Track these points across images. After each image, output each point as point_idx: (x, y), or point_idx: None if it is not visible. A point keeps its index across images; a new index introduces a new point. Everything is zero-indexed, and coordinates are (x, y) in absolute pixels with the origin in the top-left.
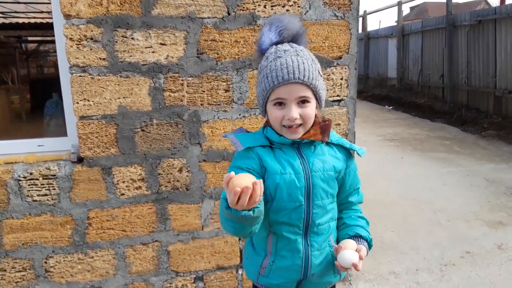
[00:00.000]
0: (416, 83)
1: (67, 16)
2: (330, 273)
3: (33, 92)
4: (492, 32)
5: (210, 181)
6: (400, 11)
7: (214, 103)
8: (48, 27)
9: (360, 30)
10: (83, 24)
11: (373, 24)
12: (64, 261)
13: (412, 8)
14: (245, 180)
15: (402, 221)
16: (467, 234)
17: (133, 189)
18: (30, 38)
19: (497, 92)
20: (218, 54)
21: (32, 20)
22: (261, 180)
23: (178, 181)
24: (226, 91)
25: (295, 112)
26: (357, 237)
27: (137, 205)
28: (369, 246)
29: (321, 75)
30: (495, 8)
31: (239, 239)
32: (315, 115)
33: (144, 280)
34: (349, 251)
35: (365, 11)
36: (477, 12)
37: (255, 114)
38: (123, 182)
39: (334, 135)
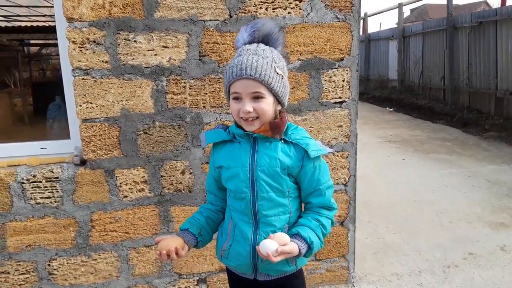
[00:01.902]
0: (417, 85)
1: (70, 19)
2: (283, 262)
3: (35, 95)
4: (493, 33)
5: None
6: (400, 13)
7: (216, 105)
8: (50, 31)
9: (360, 32)
10: (85, 27)
11: (374, 26)
12: (67, 263)
13: (412, 10)
14: (167, 245)
15: (404, 223)
16: (470, 235)
17: (136, 192)
18: (32, 42)
19: (498, 94)
20: (220, 57)
21: (35, 24)
22: (181, 248)
23: (180, 183)
24: None
25: (248, 105)
26: (297, 235)
27: (140, 207)
28: (310, 248)
29: (278, 74)
30: (496, 10)
31: None
32: (275, 111)
33: (147, 282)
34: (270, 241)
35: (365, 13)
36: (478, 14)
37: None
38: (126, 184)
39: (298, 134)
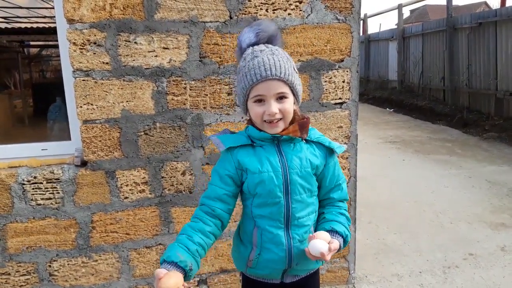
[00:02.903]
0: (417, 86)
1: (71, 21)
2: (313, 261)
3: (36, 97)
4: (493, 34)
5: None
6: (400, 14)
7: (217, 107)
8: (50, 32)
9: (360, 33)
10: (86, 29)
11: (374, 27)
12: (68, 264)
13: (412, 11)
14: (169, 284)
15: (404, 223)
16: (470, 236)
17: (137, 193)
18: (32, 43)
19: (498, 94)
20: (220, 58)
21: (35, 25)
22: (185, 285)
23: (181, 184)
24: (229, 94)
25: (274, 107)
26: (332, 231)
27: (140, 208)
28: (345, 242)
29: (296, 72)
30: (496, 10)
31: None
32: (294, 111)
33: (148, 283)
34: (320, 241)
35: (365, 14)
36: (478, 15)
37: None
38: (127, 185)
39: (315, 133)
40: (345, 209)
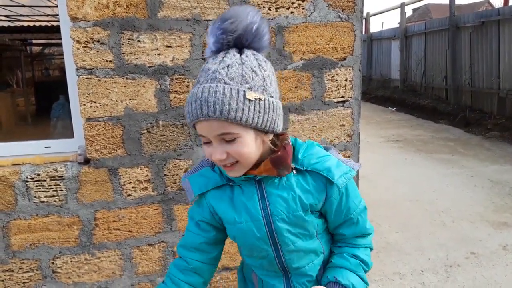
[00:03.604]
0: (419, 85)
1: (74, 19)
2: None
3: (38, 95)
4: (496, 33)
5: None
6: (403, 13)
7: None
8: (53, 30)
9: (363, 32)
10: (89, 27)
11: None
12: (71, 261)
13: (415, 10)
14: None
15: (406, 222)
16: (472, 235)
17: (140, 190)
18: (35, 41)
19: (501, 93)
20: None
21: (37, 23)
22: None
23: None
24: None
25: (219, 152)
26: (336, 283)
27: (143, 206)
28: None
29: (250, 100)
30: (499, 9)
31: None
32: (264, 142)
33: (150, 280)
34: None
35: (368, 13)
36: (481, 13)
37: None
38: (130, 183)
39: (313, 157)
40: (364, 246)
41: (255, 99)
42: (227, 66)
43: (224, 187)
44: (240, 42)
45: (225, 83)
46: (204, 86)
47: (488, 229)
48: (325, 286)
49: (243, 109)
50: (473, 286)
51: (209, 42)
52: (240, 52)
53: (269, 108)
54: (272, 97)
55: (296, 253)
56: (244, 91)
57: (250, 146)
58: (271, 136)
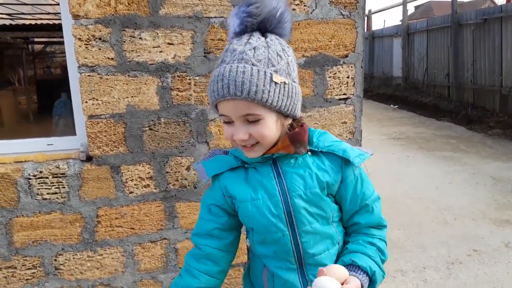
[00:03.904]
0: (422, 82)
1: (76, 17)
2: None
3: (40, 93)
4: (498, 30)
5: None
6: (405, 10)
7: None
8: (54, 28)
9: (365, 30)
10: (91, 24)
11: (378, 23)
12: (73, 258)
13: (417, 7)
14: None
15: (408, 220)
16: (474, 232)
17: (142, 187)
18: (36, 39)
19: (503, 91)
20: None
21: (39, 22)
22: None
23: (186, 179)
24: None
25: (242, 132)
26: (353, 266)
27: (145, 203)
28: (372, 282)
29: (276, 82)
30: (501, 6)
31: (246, 237)
32: (283, 126)
33: (152, 277)
34: (329, 279)
35: (370, 11)
36: (483, 11)
37: None
38: (132, 180)
39: (326, 140)
40: (379, 238)
41: (280, 82)
42: (254, 48)
43: (239, 170)
44: (264, 27)
45: (253, 64)
46: (231, 66)
47: (490, 227)
48: None
49: (269, 91)
50: (475, 283)
51: (233, 24)
52: (264, 36)
53: (292, 92)
54: (295, 82)
55: (312, 235)
56: (271, 73)
57: (271, 129)
58: (290, 121)
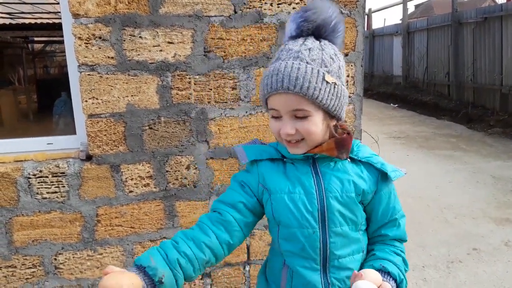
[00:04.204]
0: (422, 81)
1: (76, 16)
2: None
3: (40, 92)
4: (499, 29)
5: (217, 178)
6: (405, 9)
7: (221, 101)
8: (54, 28)
9: (365, 28)
10: (91, 23)
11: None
12: (73, 257)
13: (417, 6)
14: (108, 283)
15: (408, 218)
16: (474, 231)
17: (141, 186)
18: (36, 39)
19: (503, 89)
20: (225, 52)
21: (39, 21)
22: (135, 284)
23: (185, 178)
24: (233, 89)
25: (289, 127)
26: (383, 272)
27: (145, 202)
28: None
29: (328, 82)
30: (502, 5)
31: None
32: (328, 127)
33: None
34: (367, 283)
35: (370, 9)
36: (483, 9)
37: (261, 112)
38: (132, 179)
39: (365, 151)
40: (401, 251)
41: (331, 82)
42: (309, 49)
43: (277, 162)
44: (318, 33)
45: (307, 62)
46: (287, 63)
47: (490, 225)
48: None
49: (320, 89)
50: (474, 281)
51: (290, 28)
52: (318, 40)
53: (340, 94)
54: (343, 85)
55: (341, 237)
56: (323, 73)
57: (318, 127)
58: (335, 122)
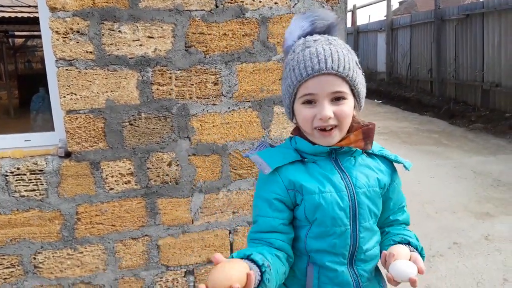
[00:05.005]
0: (405, 77)
1: (53, 9)
2: None
3: (21, 88)
4: (480, 26)
5: (200, 175)
6: (389, 6)
7: (203, 97)
8: (35, 22)
9: (349, 25)
10: (69, 17)
11: (363, 18)
12: (53, 256)
13: (401, 3)
14: (228, 276)
15: None
16: (455, 225)
17: (122, 184)
18: (17, 33)
19: (484, 86)
20: (206, 47)
21: (19, 15)
22: (253, 272)
23: (167, 175)
24: (215, 84)
25: (328, 109)
26: (404, 244)
27: (126, 199)
28: (421, 256)
29: (359, 68)
30: (483, 2)
31: (229, 232)
32: (353, 117)
33: (134, 274)
34: (405, 262)
35: (354, 6)
36: (465, 6)
37: (244, 107)
38: (112, 176)
39: (376, 145)
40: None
41: (360, 69)
42: (334, 39)
43: (297, 164)
44: (329, 32)
45: (341, 48)
46: (323, 47)
47: (471, 220)
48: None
49: (356, 72)
50: (455, 275)
51: (302, 25)
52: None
53: (364, 84)
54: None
55: (368, 231)
56: (356, 60)
57: (351, 111)
58: (356, 112)
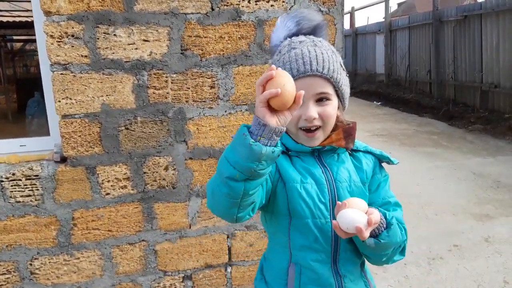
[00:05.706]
0: (404, 79)
1: (47, 13)
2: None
3: (19, 92)
4: (478, 27)
5: (197, 179)
6: (387, 7)
7: (199, 100)
8: (33, 26)
9: (348, 27)
10: (63, 21)
11: (361, 20)
12: (49, 262)
13: (399, 4)
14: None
15: None
16: (455, 227)
17: (119, 189)
18: (15, 37)
19: (483, 87)
20: (202, 50)
21: (17, 19)
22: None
23: (164, 179)
24: (211, 87)
25: (313, 110)
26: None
27: (122, 204)
28: (388, 225)
29: (343, 69)
30: (481, 3)
31: (227, 237)
32: (337, 117)
33: (131, 280)
34: (355, 211)
35: (352, 7)
36: (463, 7)
37: (241, 110)
38: (108, 181)
39: (360, 143)
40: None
41: (344, 70)
42: (320, 41)
43: (284, 155)
44: (315, 33)
45: (326, 50)
46: (308, 48)
47: (470, 221)
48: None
49: (340, 73)
50: (455, 277)
51: (287, 25)
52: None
53: (348, 85)
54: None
55: None
56: (340, 61)
57: (335, 112)
58: (340, 112)
